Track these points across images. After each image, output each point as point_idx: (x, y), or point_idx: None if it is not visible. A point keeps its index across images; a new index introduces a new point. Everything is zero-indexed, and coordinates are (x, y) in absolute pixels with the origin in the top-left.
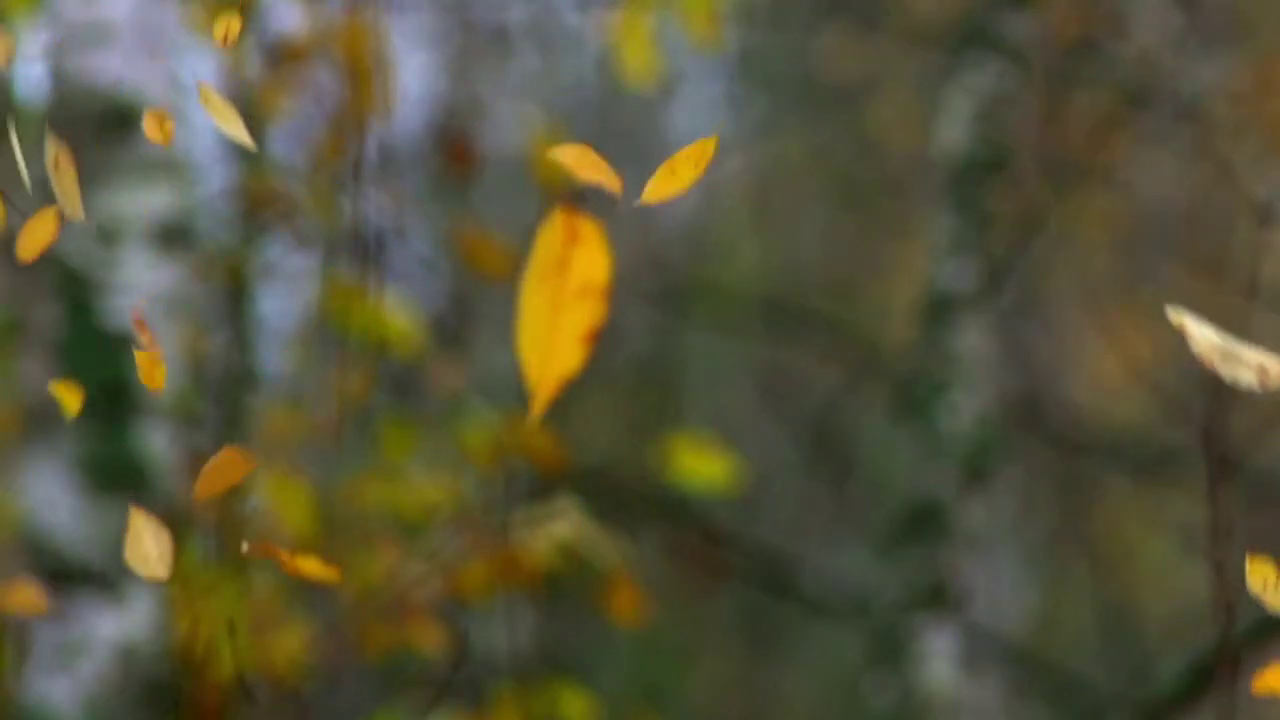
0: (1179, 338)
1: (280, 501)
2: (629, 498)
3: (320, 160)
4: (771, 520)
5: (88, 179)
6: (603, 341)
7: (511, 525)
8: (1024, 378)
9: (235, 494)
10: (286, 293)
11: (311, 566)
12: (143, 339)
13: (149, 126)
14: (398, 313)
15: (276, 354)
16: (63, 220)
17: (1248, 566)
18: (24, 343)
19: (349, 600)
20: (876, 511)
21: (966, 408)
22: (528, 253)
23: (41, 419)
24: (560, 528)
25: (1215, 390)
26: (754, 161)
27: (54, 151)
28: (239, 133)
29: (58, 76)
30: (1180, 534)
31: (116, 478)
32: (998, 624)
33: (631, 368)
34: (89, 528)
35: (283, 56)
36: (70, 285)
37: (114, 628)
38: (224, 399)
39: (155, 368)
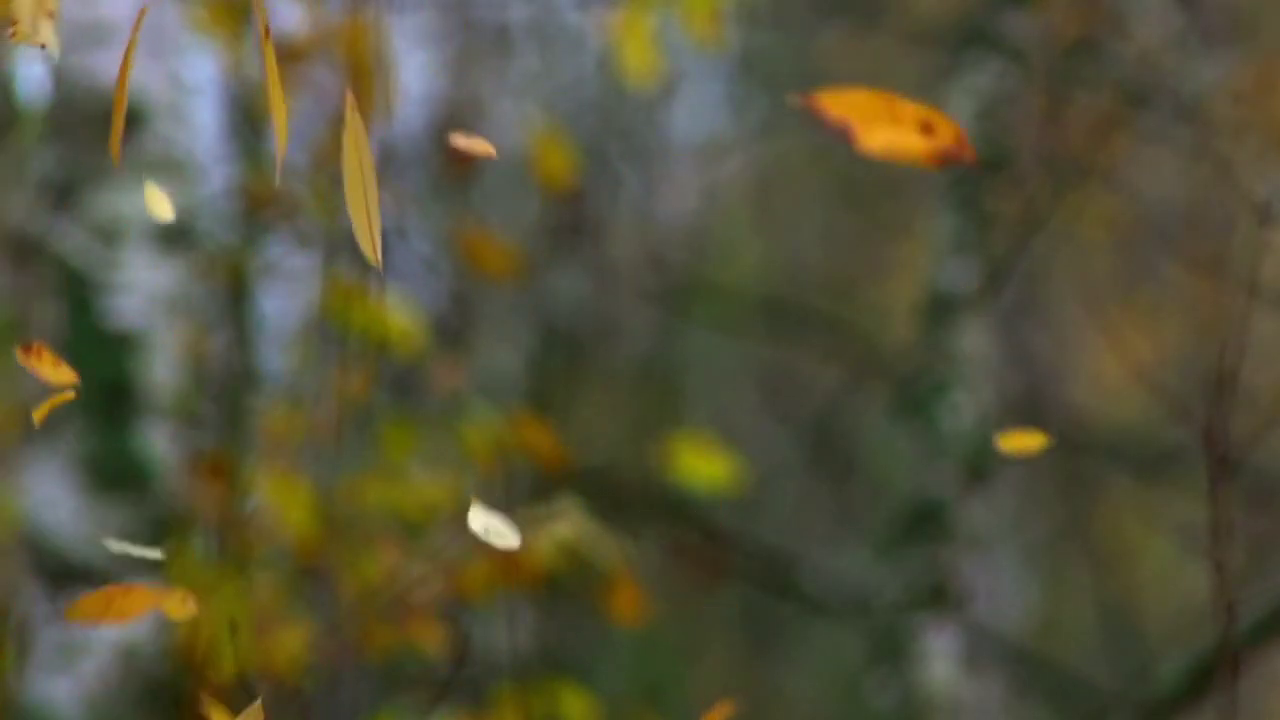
0: (1179, 337)
1: (280, 501)
2: (629, 498)
3: (320, 160)
4: (772, 520)
5: (87, 179)
6: (603, 341)
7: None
8: (1024, 378)
9: (235, 494)
10: (286, 293)
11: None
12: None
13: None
14: (398, 312)
15: (276, 354)
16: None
17: None
18: (24, 342)
19: (349, 600)
20: (877, 511)
21: (967, 408)
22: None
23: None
24: (561, 528)
25: (1215, 390)
26: (754, 161)
27: None
28: None
29: (58, 76)
30: (1180, 534)
31: (117, 478)
32: (998, 624)
33: (632, 368)
34: (89, 528)
35: (283, 56)
36: (71, 285)
37: (114, 628)
38: (224, 399)
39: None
